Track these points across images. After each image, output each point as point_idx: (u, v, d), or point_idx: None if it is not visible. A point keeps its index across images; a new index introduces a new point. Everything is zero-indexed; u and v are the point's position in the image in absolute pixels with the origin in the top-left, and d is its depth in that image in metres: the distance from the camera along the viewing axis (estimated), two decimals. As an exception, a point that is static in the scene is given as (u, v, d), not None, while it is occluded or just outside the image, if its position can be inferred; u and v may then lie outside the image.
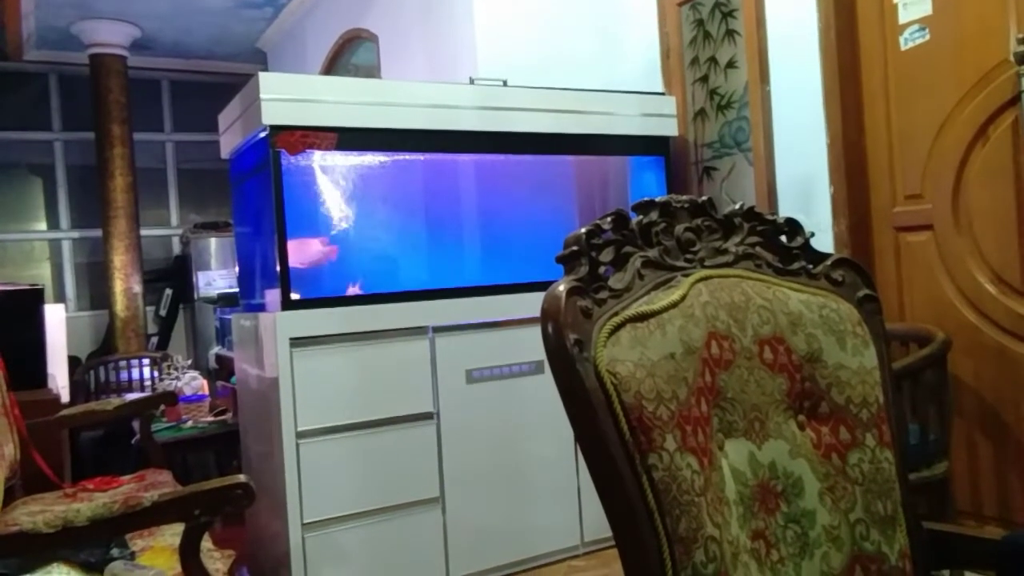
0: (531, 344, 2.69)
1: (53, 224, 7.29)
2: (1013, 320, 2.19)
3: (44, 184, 7.27)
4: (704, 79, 3.04)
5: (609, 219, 1.02)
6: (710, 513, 0.90)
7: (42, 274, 7.12)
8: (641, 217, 1.06)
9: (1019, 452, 2.20)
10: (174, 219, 7.69)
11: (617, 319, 0.94)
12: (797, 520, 1.02)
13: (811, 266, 1.16)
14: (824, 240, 2.57)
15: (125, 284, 6.44)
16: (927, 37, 2.37)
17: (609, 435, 0.89)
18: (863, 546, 1.03)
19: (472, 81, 2.87)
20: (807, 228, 1.18)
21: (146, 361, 4.94)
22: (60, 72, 7.16)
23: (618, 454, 0.88)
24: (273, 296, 2.49)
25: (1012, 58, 2.07)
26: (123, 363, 4.90)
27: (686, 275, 1.05)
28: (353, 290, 2.64)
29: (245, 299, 3.02)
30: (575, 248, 0.97)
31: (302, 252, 2.52)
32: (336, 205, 2.62)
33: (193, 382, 4.10)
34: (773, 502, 1.01)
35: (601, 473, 0.90)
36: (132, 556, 1.80)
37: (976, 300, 2.28)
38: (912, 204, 2.46)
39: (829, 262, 1.17)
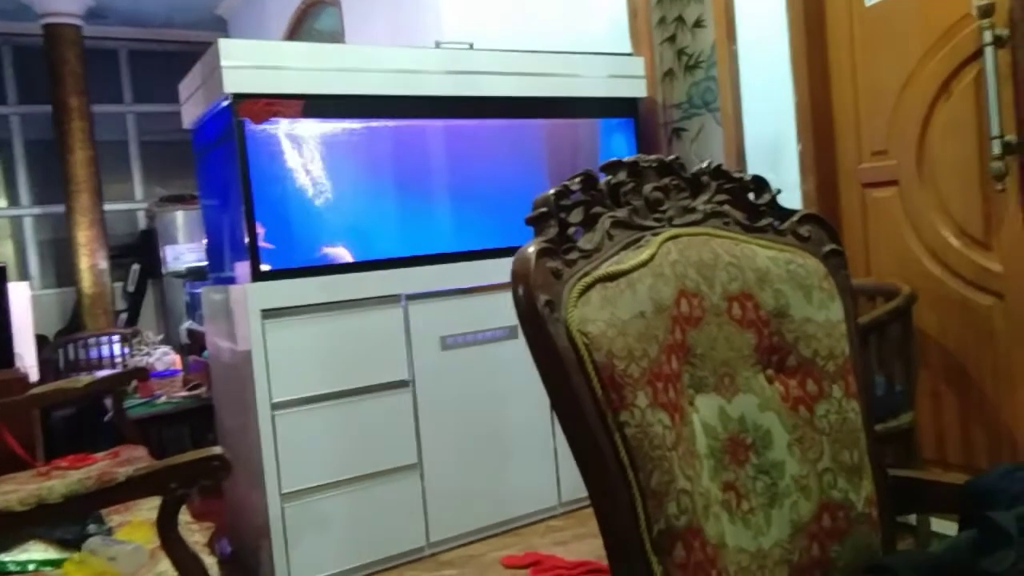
0: (505, 309, 2.68)
1: (13, 201, 7.12)
2: (976, 272, 2.24)
3: (2, 160, 7.08)
4: (672, 39, 3.03)
5: (577, 180, 1.02)
6: (681, 467, 0.92)
7: (4, 252, 6.97)
8: (609, 177, 1.06)
9: (982, 401, 2.26)
10: (138, 193, 7.55)
11: (587, 279, 0.95)
12: (767, 471, 1.04)
13: (778, 223, 1.17)
14: (792, 198, 2.59)
15: (91, 260, 6.33)
16: (891, -8, 2.37)
17: (582, 394, 0.90)
18: (831, 494, 1.06)
19: (438, 45, 2.83)
20: (775, 186, 1.19)
21: (116, 338, 4.88)
22: (13, 43, 6.94)
23: (591, 412, 0.89)
24: (243, 268, 2.46)
25: (974, 12, 2.08)
26: (92, 340, 4.84)
27: (655, 234, 1.05)
28: (335, 249, 2.62)
29: (214, 272, 2.98)
30: (544, 210, 0.97)
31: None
32: (303, 175, 2.58)
33: (165, 357, 4.07)
34: (743, 454, 1.03)
35: (575, 432, 0.91)
36: (109, 532, 1.79)
37: (940, 253, 2.32)
38: (878, 160, 2.48)
39: (795, 218, 1.18)
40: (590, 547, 2.52)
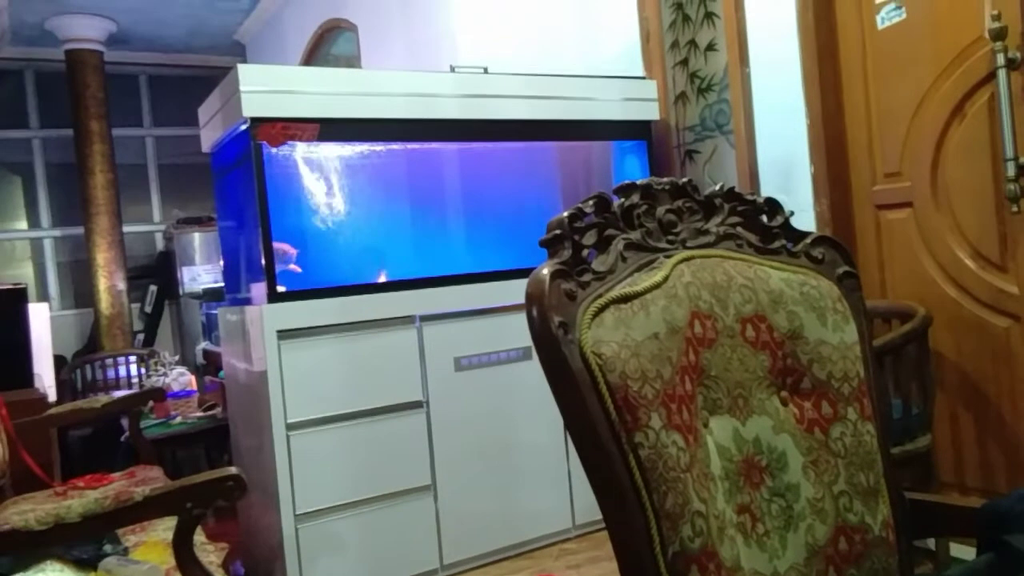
0: (518, 330, 2.69)
1: (34, 223, 7.23)
2: (992, 294, 2.23)
3: (23, 182, 7.20)
4: (684, 62, 3.05)
5: (591, 202, 1.03)
6: (696, 489, 0.92)
7: (24, 273, 7.06)
8: (623, 200, 1.07)
9: (1000, 423, 2.24)
10: (157, 215, 7.64)
11: (601, 301, 0.95)
12: (782, 494, 1.03)
13: (791, 245, 1.17)
14: (806, 220, 2.59)
15: (109, 281, 6.40)
16: (903, 16, 2.39)
17: (595, 415, 0.90)
18: (847, 517, 1.06)
19: (453, 69, 2.86)
20: (788, 208, 1.19)
21: (133, 358, 4.92)
22: (36, 68, 7.08)
23: (605, 433, 0.90)
24: (259, 289, 2.49)
25: (987, 35, 2.08)
26: (109, 361, 4.88)
27: (668, 256, 1.06)
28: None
29: (231, 293, 3.01)
30: (558, 232, 0.98)
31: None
32: (319, 197, 2.61)
33: (181, 378, 4.09)
34: (758, 477, 1.03)
35: (588, 453, 0.91)
36: (125, 551, 1.80)
37: (956, 275, 2.31)
38: (892, 182, 2.48)
39: (809, 240, 1.18)
40: (604, 571, 2.51)
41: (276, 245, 2.51)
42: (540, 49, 3.77)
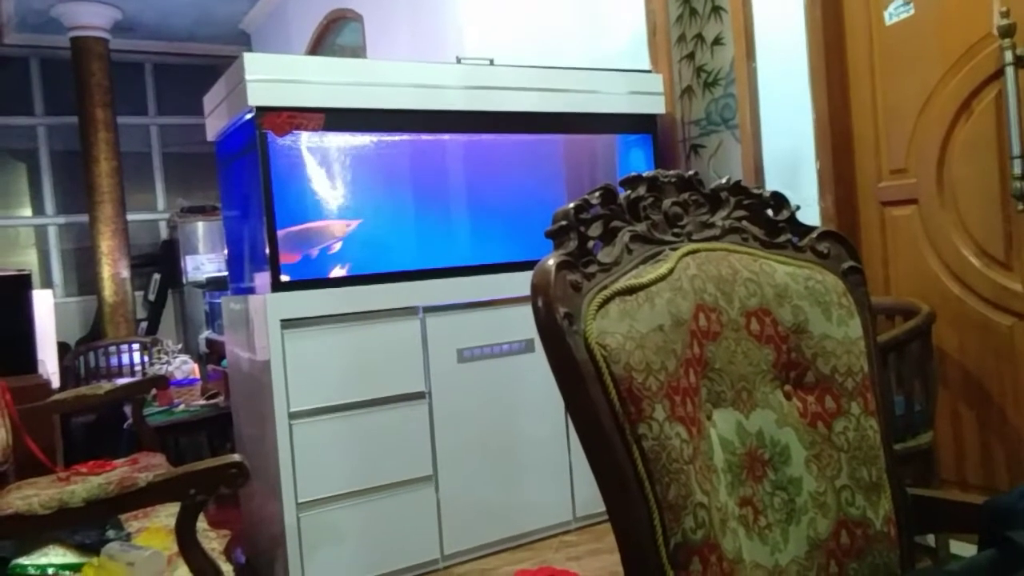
0: (521, 323, 2.71)
1: (38, 210, 7.24)
2: (996, 292, 2.22)
3: (28, 170, 7.21)
4: (691, 56, 3.04)
5: (597, 194, 1.03)
6: (699, 481, 0.92)
7: (28, 260, 7.08)
8: (629, 192, 1.07)
9: (1002, 421, 2.24)
10: (160, 203, 7.64)
11: (606, 292, 0.95)
12: (784, 487, 1.04)
13: (797, 239, 1.17)
14: (810, 215, 2.58)
15: (113, 269, 6.41)
16: (911, 12, 2.38)
17: (600, 406, 0.90)
18: (848, 512, 1.06)
19: (459, 60, 2.86)
20: (794, 203, 1.19)
21: (136, 346, 4.93)
22: (41, 56, 7.08)
23: (608, 424, 0.90)
24: (263, 278, 2.49)
25: (995, 32, 2.07)
26: (113, 348, 4.89)
27: (674, 249, 1.06)
28: (339, 271, 2.64)
29: (234, 282, 3.02)
30: (564, 223, 0.98)
31: (320, 235, 2.54)
32: (324, 186, 2.61)
33: (184, 366, 4.10)
34: (760, 470, 1.03)
35: (592, 443, 0.92)
36: (128, 537, 1.81)
37: (960, 273, 2.31)
38: (897, 178, 2.48)
39: (814, 235, 1.18)
40: (604, 563, 2.51)
41: (329, 222, 2.52)
42: (546, 41, 3.76)
